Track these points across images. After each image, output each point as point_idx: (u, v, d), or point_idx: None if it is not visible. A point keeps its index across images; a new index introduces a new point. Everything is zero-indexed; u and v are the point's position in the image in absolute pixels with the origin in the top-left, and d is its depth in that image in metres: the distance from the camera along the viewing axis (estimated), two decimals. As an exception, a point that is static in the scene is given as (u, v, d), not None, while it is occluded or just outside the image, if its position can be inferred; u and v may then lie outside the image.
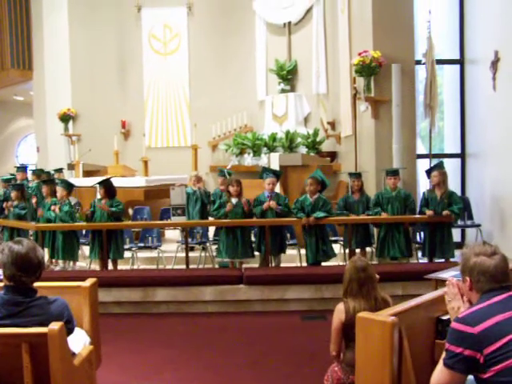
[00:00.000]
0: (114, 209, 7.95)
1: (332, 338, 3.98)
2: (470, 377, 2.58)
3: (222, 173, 9.01)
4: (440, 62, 10.06)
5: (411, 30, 9.17)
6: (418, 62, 9.44)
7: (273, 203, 7.71)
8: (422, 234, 8.42)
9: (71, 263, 8.33)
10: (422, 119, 9.70)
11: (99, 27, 14.40)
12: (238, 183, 7.80)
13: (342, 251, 8.42)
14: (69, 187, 8.35)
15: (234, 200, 7.78)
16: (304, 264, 7.91)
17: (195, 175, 9.61)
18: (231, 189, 7.78)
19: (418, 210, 8.08)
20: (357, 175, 8.37)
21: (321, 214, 7.57)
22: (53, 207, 8.10)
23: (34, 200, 9.22)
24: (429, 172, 8.04)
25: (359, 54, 8.99)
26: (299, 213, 7.66)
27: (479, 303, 2.57)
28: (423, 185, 9.53)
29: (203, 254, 8.67)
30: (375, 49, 8.93)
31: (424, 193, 8.07)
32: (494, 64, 8.89)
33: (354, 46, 10.12)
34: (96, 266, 8.33)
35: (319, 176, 7.79)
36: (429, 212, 7.67)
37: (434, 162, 8.96)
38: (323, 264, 7.77)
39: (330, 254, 7.75)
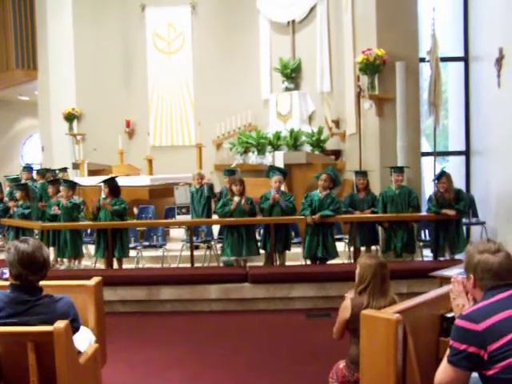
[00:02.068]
0: (116, 207, 7.98)
1: (336, 328, 3.97)
2: (475, 374, 2.58)
3: (229, 172, 9.05)
4: (444, 59, 10.03)
5: (415, 28, 9.13)
6: (422, 60, 9.40)
7: (277, 196, 7.73)
8: (428, 231, 8.43)
9: (76, 262, 8.38)
10: (427, 117, 9.67)
11: (103, 27, 14.42)
12: (240, 182, 7.82)
13: (347, 249, 8.42)
14: (72, 186, 8.43)
15: (236, 199, 7.80)
16: (309, 262, 7.91)
17: (197, 173, 9.62)
18: (234, 188, 7.80)
19: (424, 208, 8.07)
20: (362, 174, 8.36)
21: (327, 212, 7.57)
22: (53, 208, 8.19)
23: (41, 204, 9.22)
24: (437, 180, 8.01)
25: (363, 52, 8.95)
26: (306, 209, 7.64)
27: (483, 300, 2.57)
28: (428, 183, 9.52)
29: (208, 253, 8.68)
30: (379, 47, 8.90)
31: (432, 196, 8.00)
32: (499, 61, 8.85)
33: (358, 43, 10.08)
34: (101, 265, 8.36)
35: (333, 173, 7.81)
36: (451, 212, 7.66)
37: (439, 159, 8.93)
38: (328, 262, 7.77)
39: (332, 253, 7.74)
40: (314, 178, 8.06)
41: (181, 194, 9.03)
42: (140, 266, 8.57)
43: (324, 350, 5.37)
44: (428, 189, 9.57)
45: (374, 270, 3.86)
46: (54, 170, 11.37)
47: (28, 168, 11.92)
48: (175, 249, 8.82)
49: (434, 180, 8.17)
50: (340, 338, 3.98)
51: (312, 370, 5.02)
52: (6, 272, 3.31)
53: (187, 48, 14.91)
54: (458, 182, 9.78)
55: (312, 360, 5.29)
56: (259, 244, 7.99)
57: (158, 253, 8.76)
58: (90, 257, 8.75)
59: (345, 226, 8.70)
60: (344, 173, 11.50)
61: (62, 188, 8.37)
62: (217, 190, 9.92)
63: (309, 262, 7.89)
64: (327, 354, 5.01)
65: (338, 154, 12.45)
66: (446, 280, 4.95)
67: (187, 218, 8.75)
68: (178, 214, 8.85)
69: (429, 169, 9.51)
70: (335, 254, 7.78)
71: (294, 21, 13.96)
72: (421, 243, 8.56)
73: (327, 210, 7.62)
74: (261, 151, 12.95)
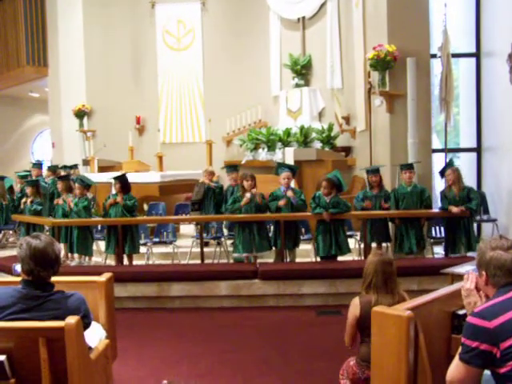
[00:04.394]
0: (127, 202, 8.00)
1: (347, 332, 3.97)
2: (487, 371, 2.56)
3: (232, 168, 9.01)
4: (456, 55, 9.98)
5: (426, 24, 9.09)
6: (434, 56, 9.36)
7: (290, 193, 7.71)
8: (439, 228, 8.40)
9: (87, 258, 8.41)
10: (438, 113, 9.62)
11: (113, 23, 14.45)
12: (252, 178, 7.81)
13: (357, 246, 8.39)
14: (87, 186, 8.45)
15: (248, 194, 7.78)
16: (319, 259, 7.89)
17: (205, 170, 9.60)
18: (245, 183, 7.78)
19: (437, 206, 8.03)
20: (374, 171, 8.27)
21: (336, 210, 7.52)
22: (68, 200, 8.23)
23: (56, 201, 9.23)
24: (442, 172, 7.99)
25: (374, 48, 8.93)
26: (317, 208, 7.60)
27: (496, 297, 2.55)
28: (439, 179, 9.47)
29: (218, 249, 8.69)
30: (390, 43, 8.87)
31: (442, 192, 7.97)
32: (511, 57, 8.78)
33: (369, 40, 10.05)
34: (111, 261, 8.38)
35: (336, 179, 7.62)
36: (455, 209, 7.60)
37: (450, 156, 8.89)
38: (338, 259, 7.75)
39: (345, 250, 7.70)
40: (324, 176, 8.00)
41: (199, 190, 9.01)
42: (150, 262, 8.58)
43: (334, 347, 5.35)
44: (438, 185, 9.53)
45: (375, 267, 3.88)
46: (65, 167, 11.40)
47: (38, 164, 11.97)
48: (185, 245, 8.83)
49: (439, 173, 8.12)
50: (352, 343, 3.96)
51: (322, 367, 5.01)
52: (18, 268, 3.32)
53: (197, 44, 14.90)
54: (470, 179, 9.73)
55: (322, 357, 5.28)
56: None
57: (168, 249, 8.77)
58: (101, 253, 8.78)
59: (356, 223, 8.67)
60: (354, 170, 11.47)
61: (76, 185, 8.40)
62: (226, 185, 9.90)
63: (318, 259, 7.86)
64: (337, 351, 4.99)
65: (348, 150, 12.41)
66: (458, 277, 4.93)
67: (198, 214, 8.76)
68: (192, 209, 8.86)
69: (440, 165, 9.47)
70: (347, 251, 7.74)
71: (304, 17, 13.90)
72: (431, 240, 8.52)
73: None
74: (271, 148, 12.91)
